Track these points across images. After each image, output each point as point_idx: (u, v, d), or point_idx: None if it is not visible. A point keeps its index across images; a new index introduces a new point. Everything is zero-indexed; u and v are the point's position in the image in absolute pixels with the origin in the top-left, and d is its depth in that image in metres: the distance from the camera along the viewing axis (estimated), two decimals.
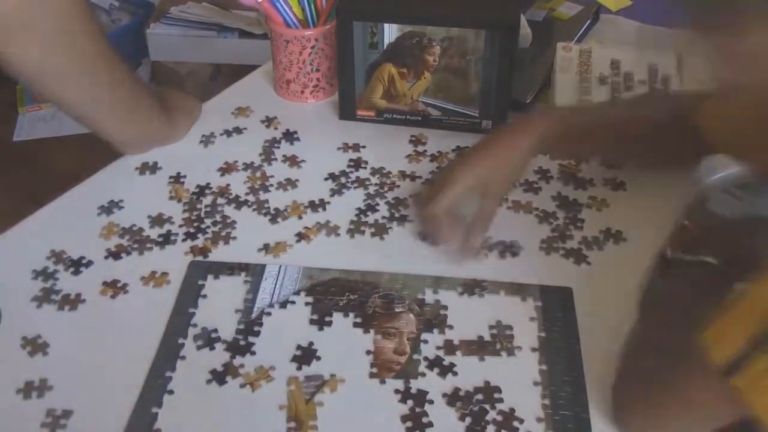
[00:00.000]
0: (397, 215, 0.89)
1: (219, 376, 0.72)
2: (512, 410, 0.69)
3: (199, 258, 0.84)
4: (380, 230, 0.87)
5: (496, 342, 0.75)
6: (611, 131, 0.86)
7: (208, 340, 0.75)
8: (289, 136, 1.01)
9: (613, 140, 0.87)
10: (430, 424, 0.68)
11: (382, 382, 0.71)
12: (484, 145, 0.85)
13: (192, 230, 0.87)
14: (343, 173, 0.95)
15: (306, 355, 0.73)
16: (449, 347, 0.74)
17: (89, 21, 0.81)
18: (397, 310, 0.77)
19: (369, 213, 0.89)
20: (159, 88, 0.99)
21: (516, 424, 0.68)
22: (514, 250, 0.84)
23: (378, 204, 0.91)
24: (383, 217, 0.89)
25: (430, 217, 0.82)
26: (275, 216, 0.89)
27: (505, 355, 0.74)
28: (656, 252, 0.85)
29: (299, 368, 0.72)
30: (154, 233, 0.87)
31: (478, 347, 0.74)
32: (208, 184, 0.93)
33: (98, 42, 0.83)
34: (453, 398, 0.70)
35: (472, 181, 0.81)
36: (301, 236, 0.86)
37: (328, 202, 0.91)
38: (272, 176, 0.95)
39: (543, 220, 0.88)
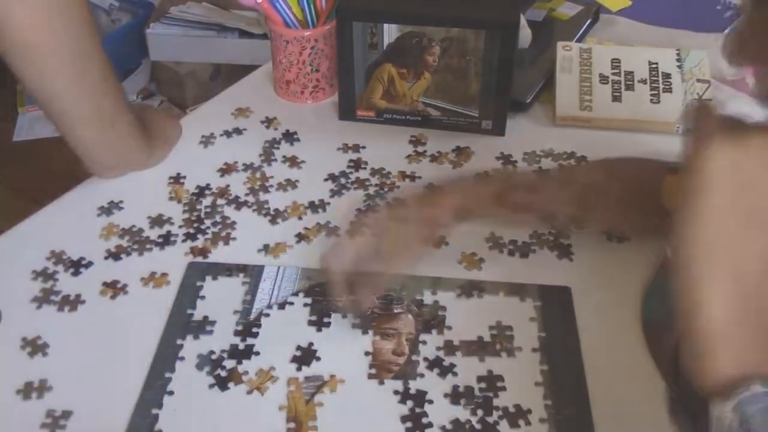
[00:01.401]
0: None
1: (218, 378, 0.72)
2: (512, 410, 0.69)
3: (199, 259, 0.84)
4: None
5: (496, 343, 0.75)
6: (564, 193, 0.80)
7: (207, 341, 0.75)
8: (289, 136, 1.01)
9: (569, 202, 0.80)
10: (430, 425, 0.68)
11: (381, 382, 0.71)
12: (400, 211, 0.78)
13: (192, 231, 0.87)
14: (343, 174, 0.95)
15: (305, 355, 0.73)
16: (449, 348, 0.74)
17: (90, 12, 0.77)
18: (395, 311, 0.77)
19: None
20: (141, 106, 0.91)
21: (519, 422, 0.68)
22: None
23: (378, 205, 0.90)
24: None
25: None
26: (275, 217, 0.89)
27: (505, 356, 0.74)
28: (656, 252, 0.85)
29: (299, 369, 0.72)
30: (153, 234, 0.87)
31: (478, 348, 0.74)
32: (208, 184, 0.93)
33: (95, 35, 0.78)
34: (455, 397, 0.70)
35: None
36: (300, 237, 0.86)
37: (328, 203, 0.91)
38: (272, 177, 0.95)
39: (542, 219, 0.88)
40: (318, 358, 0.73)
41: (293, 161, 0.97)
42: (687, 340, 0.45)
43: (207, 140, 1.01)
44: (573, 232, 0.85)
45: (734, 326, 0.44)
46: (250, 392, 0.71)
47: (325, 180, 0.94)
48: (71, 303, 0.79)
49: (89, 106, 0.81)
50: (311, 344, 0.74)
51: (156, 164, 0.94)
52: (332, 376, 0.71)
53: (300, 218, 0.89)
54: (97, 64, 0.80)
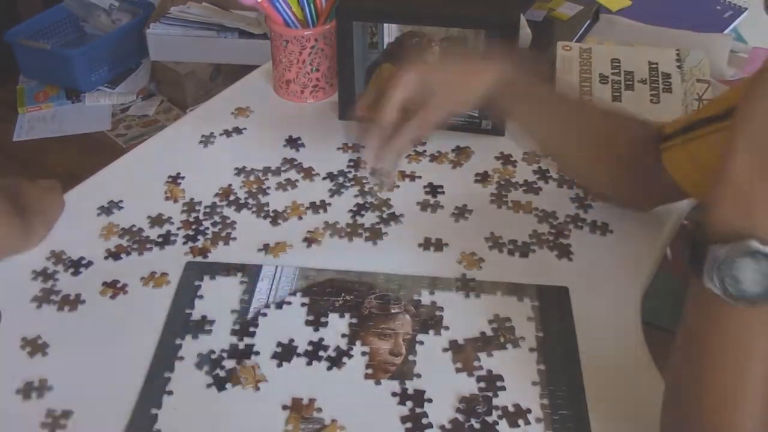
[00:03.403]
0: (397, 214, 0.89)
1: (216, 378, 0.72)
2: (511, 410, 0.69)
3: (199, 258, 0.84)
4: (377, 233, 0.87)
5: (500, 336, 0.75)
6: (564, 118, 0.83)
7: (205, 341, 0.75)
8: (289, 136, 1.01)
9: (563, 130, 0.83)
10: (430, 426, 0.68)
11: (378, 383, 0.71)
12: (440, 64, 0.86)
13: (191, 232, 0.87)
14: (343, 173, 0.95)
15: (302, 354, 0.73)
16: (455, 347, 0.74)
17: None
18: (393, 311, 0.77)
19: (366, 213, 0.89)
20: (17, 183, 0.87)
21: (518, 422, 0.68)
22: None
23: (375, 204, 0.91)
24: (379, 217, 0.89)
25: (373, 119, 0.79)
26: (275, 217, 0.89)
27: (511, 348, 0.74)
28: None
29: (309, 363, 0.72)
30: (153, 233, 0.87)
31: (483, 344, 0.74)
32: (208, 184, 0.93)
33: None
34: (454, 400, 0.70)
35: (418, 86, 0.78)
36: (307, 242, 0.85)
37: (329, 203, 0.91)
38: (272, 177, 0.95)
39: (543, 219, 0.88)
40: (319, 358, 0.73)
41: (293, 161, 0.97)
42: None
43: (207, 140, 1.01)
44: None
45: (750, 184, 0.51)
46: (236, 386, 0.70)
47: (324, 179, 0.94)
48: (71, 303, 0.79)
49: None
50: (310, 343, 0.74)
51: (36, 244, 0.85)
52: (333, 421, 0.68)
53: (300, 218, 0.89)
54: None
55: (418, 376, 0.72)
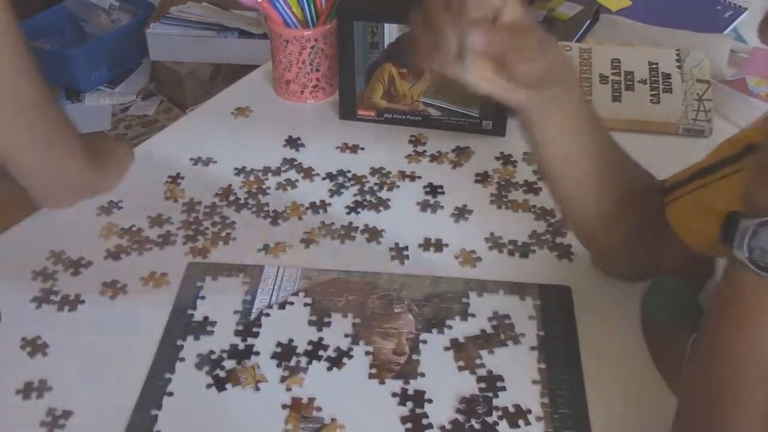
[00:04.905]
0: (397, 214, 0.89)
1: (217, 378, 0.72)
2: (511, 410, 0.69)
3: (199, 259, 0.83)
4: (376, 233, 0.87)
5: (500, 333, 0.75)
6: (585, 143, 0.68)
7: (207, 341, 0.75)
8: (289, 136, 1.01)
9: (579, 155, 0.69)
10: (430, 426, 0.68)
11: (382, 382, 0.71)
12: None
13: (191, 232, 0.87)
14: (342, 173, 0.95)
15: (306, 354, 0.73)
16: (457, 346, 0.74)
17: (15, 33, 0.74)
18: (396, 310, 0.77)
19: (367, 212, 0.89)
20: (92, 134, 0.88)
21: (518, 422, 0.68)
22: None
23: (376, 203, 0.91)
24: (377, 217, 0.89)
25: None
26: (275, 217, 0.89)
27: (511, 344, 0.74)
28: None
29: (309, 362, 0.72)
30: (153, 233, 0.87)
31: (484, 341, 0.74)
32: (208, 184, 0.93)
33: (22, 57, 0.75)
34: (456, 400, 0.70)
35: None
36: (307, 242, 0.85)
37: (329, 204, 0.91)
38: (272, 177, 0.95)
39: (540, 217, 0.88)
40: (319, 358, 0.73)
41: (293, 161, 0.97)
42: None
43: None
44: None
45: None
46: (236, 386, 0.70)
47: (324, 179, 0.94)
48: (71, 303, 0.79)
49: (23, 127, 0.77)
50: (310, 342, 0.74)
51: (108, 190, 0.90)
52: (333, 420, 0.68)
53: (300, 218, 0.89)
54: (28, 84, 0.76)
55: (423, 375, 0.72)
